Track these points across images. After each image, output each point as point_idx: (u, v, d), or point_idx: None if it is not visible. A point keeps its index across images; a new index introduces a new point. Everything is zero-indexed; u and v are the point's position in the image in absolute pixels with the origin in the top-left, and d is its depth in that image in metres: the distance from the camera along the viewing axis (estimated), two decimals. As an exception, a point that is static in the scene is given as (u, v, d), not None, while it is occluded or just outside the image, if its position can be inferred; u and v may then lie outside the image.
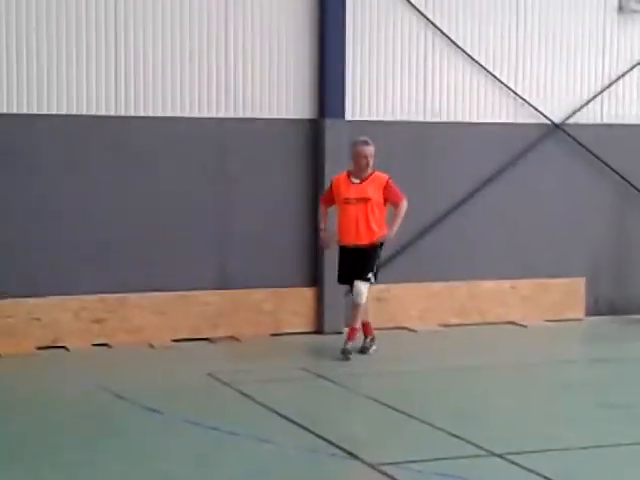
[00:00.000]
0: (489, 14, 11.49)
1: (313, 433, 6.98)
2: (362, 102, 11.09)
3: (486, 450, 6.59)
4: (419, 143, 11.34)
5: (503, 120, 11.64)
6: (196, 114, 10.39)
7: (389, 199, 9.69)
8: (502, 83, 11.57)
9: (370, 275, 9.63)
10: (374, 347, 9.83)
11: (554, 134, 11.80)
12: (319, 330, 10.83)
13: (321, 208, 9.95)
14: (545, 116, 11.74)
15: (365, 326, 9.87)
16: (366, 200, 9.56)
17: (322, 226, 9.87)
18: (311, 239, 10.90)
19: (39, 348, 9.76)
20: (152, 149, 10.24)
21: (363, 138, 9.74)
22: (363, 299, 9.63)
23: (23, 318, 9.77)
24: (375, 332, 10.03)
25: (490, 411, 7.77)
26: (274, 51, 10.70)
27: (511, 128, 11.65)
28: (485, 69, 11.50)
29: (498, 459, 6.44)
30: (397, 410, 7.63)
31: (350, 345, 9.60)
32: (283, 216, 10.84)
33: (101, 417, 7.51)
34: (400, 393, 8.26)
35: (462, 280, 11.47)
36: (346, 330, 10.03)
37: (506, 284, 11.64)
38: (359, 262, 9.60)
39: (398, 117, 11.25)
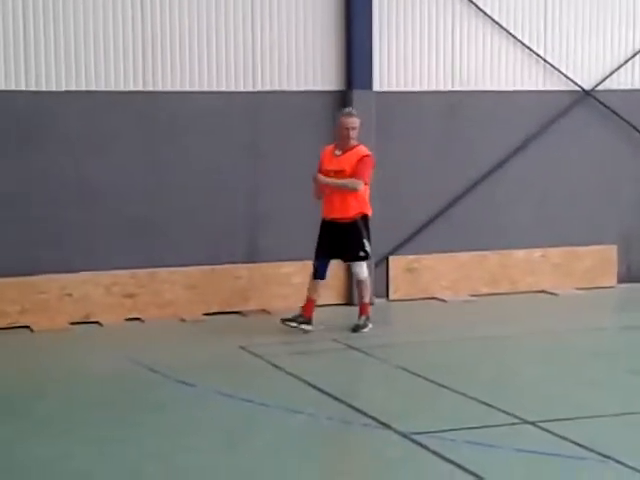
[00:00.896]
0: (517, -20, 11.38)
1: (345, 404, 7.00)
2: (390, 73, 11.03)
3: (518, 418, 6.59)
4: (448, 113, 11.27)
5: (533, 88, 11.54)
6: (224, 88, 10.39)
7: (353, 171, 9.32)
8: (531, 50, 11.46)
9: (362, 253, 9.44)
10: (370, 326, 9.53)
11: (584, 101, 11.68)
12: (349, 302, 10.83)
13: (317, 177, 9.55)
14: (575, 83, 11.62)
15: (307, 303, 9.57)
16: (343, 173, 9.33)
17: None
18: (340, 211, 10.88)
19: (72, 323, 9.85)
20: (182, 124, 10.24)
21: (348, 109, 9.57)
22: (362, 276, 9.51)
23: (56, 294, 9.86)
24: (402, 303, 9.99)
25: (521, 379, 7.76)
26: (301, 23, 10.65)
27: (541, 96, 11.55)
28: (514, 36, 11.39)
29: (530, 427, 6.45)
30: (428, 380, 7.64)
31: (363, 319, 9.51)
32: (311, 189, 10.81)
33: (134, 391, 7.57)
34: (431, 363, 8.27)
35: (492, 249, 11.43)
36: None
37: (537, 253, 11.59)
38: (344, 241, 9.40)
39: (426, 87, 11.18)
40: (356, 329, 9.50)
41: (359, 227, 9.45)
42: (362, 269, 9.54)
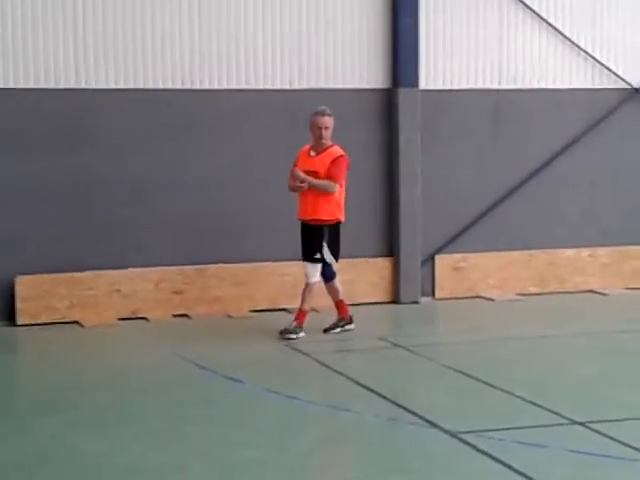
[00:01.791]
0: (565, -23, 11.29)
1: (392, 402, 7.00)
2: (436, 71, 10.99)
3: (567, 418, 6.54)
4: (495, 111, 11.21)
5: (581, 86, 11.43)
6: (270, 86, 10.42)
7: (328, 174, 9.08)
8: (580, 48, 11.35)
9: (317, 255, 9.17)
10: (301, 334, 9.13)
11: (634, 98, 11.55)
12: (395, 300, 10.82)
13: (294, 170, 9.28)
14: (624, 80, 11.49)
15: (338, 305, 9.45)
16: (316, 174, 9.11)
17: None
18: (386, 210, 10.88)
19: (120, 319, 9.95)
20: (230, 122, 10.29)
21: (321, 108, 9.18)
22: (310, 279, 9.22)
23: (104, 290, 9.96)
24: (448, 302, 9.93)
25: (570, 379, 7.70)
26: (347, 21, 10.65)
27: (589, 94, 11.44)
28: (562, 34, 11.30)
29: (579, 427, 6.40)
30: (476, 379, 7.61)
31: (293, 325, 9.14)
32: (358, 187, 10.79)
33: (182, 386, 7.63)
34: (478, 362, 8.23)
35: (540, 248, 11.35)
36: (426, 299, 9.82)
37: (585, 252, 11.48)
38: (309, 241, 9.21)
39: (473, 85, 11.12)
40: (282, 333, 9.12)
41: (322, 232, 9.18)
42: (311, 272, 9.20)
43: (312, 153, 9.25)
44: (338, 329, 9.37)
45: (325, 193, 9.12)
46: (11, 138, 9.76)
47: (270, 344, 8.99)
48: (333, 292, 9.44)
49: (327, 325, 9.40)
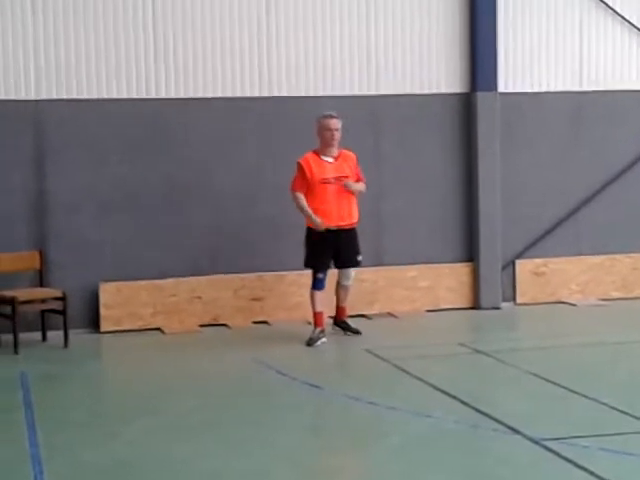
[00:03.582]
0: (647, -24, 11.08)
1: (473, 408, 6.93)
2: (515, 74, 10.89)
3: (654, 426, 6.41)
4: (575, 113, 11.06)
5: (664, 86, 11.22)
6: (347, 92, 10.43)
7: (358, 176, 9.28)
8: (662, 48, 11.15)
9: (360, 258, 9.33)
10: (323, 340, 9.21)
11: None
12: (475, 306, 10.73)
13: (299, 195, 9.11)
14: None
15: (322, 315, 9.35)
16: (345, 178, 9.09)
17: (311, 211, 9.05)
18: (466, 215, 10.80)
19: (201, 325, 10.05)
20: (304, 128, 10.29)
21: (329, 112, 9.14)
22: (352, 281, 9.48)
23: (185, 297, 10.08)
24: (529, 307, 9.80)
25: (656, 386, 7.53)
26: (425, 25, 10.62)
27: (672, 94, 11.21)
28: (644, 33, 11.11)
29: (667, 435, 6.26)
30: (559, 385, 7.49)
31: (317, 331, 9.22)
32: (437, 192, 10.78)
33: (262, 393, 7.66)
34: (561, 368, 8.11)
35: (623, 252, 11.14)
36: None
37: (670, 255, 11.25)
38: (349, 245, 9.22)
39: (553, 88, 10.99)
40: (359, 331, 9.44)
41: (357, 234, 9.31)
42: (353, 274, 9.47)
43: (327, 159, 9.14)
44: (320, 341, 9.23)
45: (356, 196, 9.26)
46: (96, 147, 9.94)
47: (349, 350, 9.00)
48: (318, 302, 9.28)
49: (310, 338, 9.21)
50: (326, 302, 9.44)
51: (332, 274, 9.48)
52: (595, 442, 6.10)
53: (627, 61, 11.18)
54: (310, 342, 9.16)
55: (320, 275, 9.25)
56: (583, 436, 6.22)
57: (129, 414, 7.08)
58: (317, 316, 9.28)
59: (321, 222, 9.07)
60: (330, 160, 9.16)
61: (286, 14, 10.28)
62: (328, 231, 9.15)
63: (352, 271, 9.45)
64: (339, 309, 9.62)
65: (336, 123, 9.15)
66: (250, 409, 7.19)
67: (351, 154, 9.33)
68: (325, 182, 9.11)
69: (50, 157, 9.86)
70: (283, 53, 10.29)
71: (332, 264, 9.41)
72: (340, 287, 9.51)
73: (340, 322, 9.61)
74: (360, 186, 9.31)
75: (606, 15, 11.04)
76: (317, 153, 9.19)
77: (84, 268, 9.89)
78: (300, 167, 9.16)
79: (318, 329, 9.25)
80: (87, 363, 8.94)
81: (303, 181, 9.14)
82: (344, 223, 9.19)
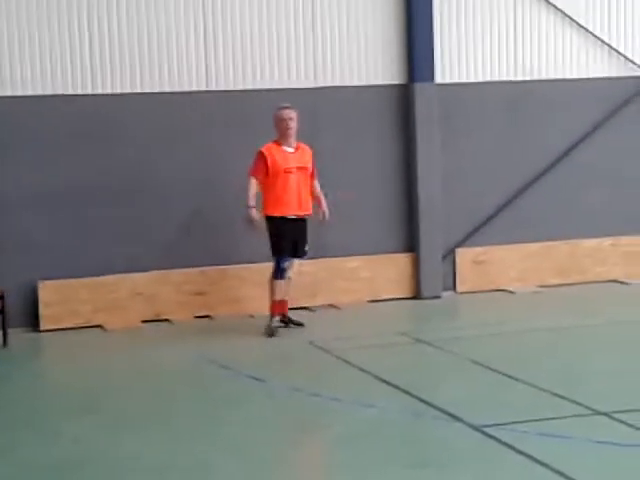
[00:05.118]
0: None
1: (416, 397, 7.01)
2: (452, 64, 10.98)
3: (591, 409, 6.53)
4: (512, 103, 11.19)
5: (598, 75, 11.38)
6: (286, 85, 10.43)
7: (313, 170, 9.46)
8: (595, 36, 11.31)
9: (307, 248, 9.49)
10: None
11: (651, 86, 11.51)
12: (417, 295, 10.82)
13: (253, 182, 9.16)
14: (641, 68, 11.45)
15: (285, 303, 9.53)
16: (305, 170, 9.31)
17: (253, 203, 9.12)
18: (406, 205, 10.88)
19: (143, 322, 10.00)
20: (249, 121, 10.27)
21: (285, 104, 9.33)
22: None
23: (126, 293, 10.02)
24: (470, 296, 9.93)
25: (593, 370, 7.68)
26: (360, 16, 10.65)
27: (607, 82, 11.39)
28: (577, 23, 11.25)
29: (604, 418, 6.38)
30: (498, 372, 7.61)
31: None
32: (377, 183, 10.84)
33: (206, 387, 7.67)
34: (501, 355, 8.23)
35: (561, 239, 11.31)
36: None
37: (607, 241, 11.44)
38: (303, 236, 9.40)
39: (489, 77, 11.10)
40: (302, 323, 9.52)
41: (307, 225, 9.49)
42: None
43: (288, 149, 9.29)
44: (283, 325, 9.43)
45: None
46: (36, 143, 9.81)
47: (292, 342, 9.02)
48: (281, 290, 9.40)
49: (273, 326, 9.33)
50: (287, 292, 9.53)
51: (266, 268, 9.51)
52: (534, 427, 6.21)
53: (561, 50, 11.32)
54: (272, 332, 9.21)
55: (285, 264, 9.34)
56: (522, 421, 6.33)
57: (72, 412, 7.04)
58: (277, 304, 9.35)
59: (254, 218, 9.14)
60: (291, 150, 9.31)
61: (226, 8, 10.23)
62: (288, 220, 9.25)
63: (296, 263, 9.49)
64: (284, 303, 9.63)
65: (289, 113, 9.29)
66: (194, 403, 7.19)
67: (308, 147, 9.48)
68: (289, 172, 9.23)
69: (-10, 154, 9.74)
70: (222, 47, 10.25)
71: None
72: (287, 280, 9.52)
73: (285, 316, 9.63)
74: (324, 203, 9.57)
75: (540, 5, 11.18)
76: (278, 143, 9.31)
77: (23, 266, 9.77)
78: (261, 155, 9.23)
79: (277, 317, 9.32)
80: (27, 362, 8.87)
81: (261, 168, 9.21)
82: (303, 213, 9.34)
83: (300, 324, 9.54)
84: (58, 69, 9.81)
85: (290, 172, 9.24)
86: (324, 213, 9.54)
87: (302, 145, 9.45)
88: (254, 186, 9.21)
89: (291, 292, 9.60)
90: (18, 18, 9.69)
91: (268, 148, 9.28)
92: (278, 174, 9.21)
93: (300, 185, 9.29)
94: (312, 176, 9.50)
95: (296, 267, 9.53)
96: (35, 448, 6.25)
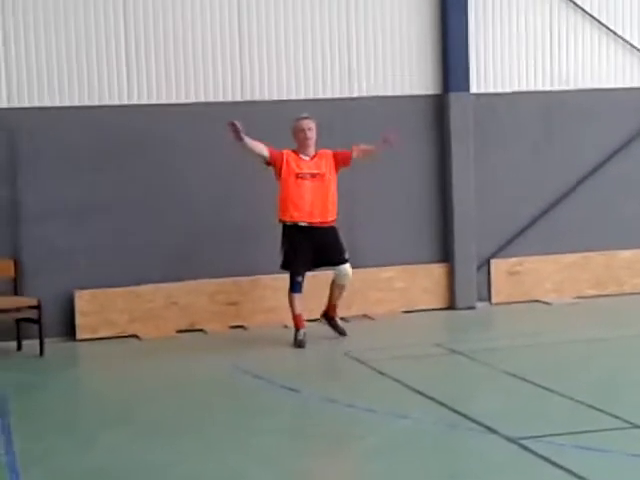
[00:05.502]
0: (615, -24, 11.19)
1: (451, 408, 6.96)
2: (487, 74, 10.94)
3: (628, 422, 6.45)
4: (547, 113, 11.13)
5: (635, 84, 11.30)
6: (321, 95, 10.44)
7: (340, 157, 9.27)
8: (632, 46, 11.22)
9: (347, 255, 9.37)
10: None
11: (689, 96, 11.39)
12: (451, 306, 10.77)
13: (261, 145, 9.20)
14: (679, 78, 11.35)
15: (300, 317, 9.37)
16: (321, 176, 9.20)
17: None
18: (440, 215, 10.85)
19: (178, 331, 10.04)
20: (280, 131, 10.29)
21: (304, 114, 9.30)
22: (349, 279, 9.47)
23: (162, 303, 10.06)
24: (504, 307, 9.87)
25: (631, 383, 7.58)
26: (395, 27, 10.65)
27: (643, 92, 11.31)
28: (614, 32, 11.18)
29: (641, 431, 6.31)
30: (535, 384, 7.54)
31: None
32: (411, 193, 10.81)
33: (240, 397, 7.67)
34: (537, 366, 8.16)
35: (597, 250, 11.21)
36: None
37: (643, 253, 11.33)
38: (329, 245, 9.27)
39: (524, 87, 11.05)
40: (345, 332, 9.49)
41: (336, 232, 9.39)
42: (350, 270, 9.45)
43: (304, 157, 9.28)
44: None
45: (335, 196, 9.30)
46: (70, 154, 9.90)
47: (327, 353, 9.01)
48: (298, 304, 9.35)
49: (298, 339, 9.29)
50: (313, 303, 9.53)
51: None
52: (571, 440, 6.14)
53: (597, 60, 11.25)
54: (300, 344, 9.20)
55: (298, 278, 9.28)
56: (559, 434, 6.27)
57: (106, 421, 7.06)
58: (297, 318, 9.32)
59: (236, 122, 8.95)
60: (306, 158, 9.28)
61: (261, 19, 10.27)
62: (301, 227, 9.19)
63: (347, 268, 9.39)
64: (330, 305, 9.58)
65: (308, 123, 9.27)
66: (228, 413, 7.19)
67: (327, 151, 9.40)
68: (300, 177, 9.20)
69: (23, 165, 9.81)
70: (257, 58, 10.28)
71: (311, 266, 9.38)
72: (335, 286, 9.51)
73: (329, 318, 9.58)
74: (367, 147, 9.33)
75: (576, 14, 11.12)
76: (296, 152, 9.32)
77: (59, 276, 9.84)
78: (281, 153, 9.24)
79: (302, 330, 9.28)
80: (63, 371, 8.92)
81: (277, 157, 9.20)
82: (316, 221, 9.23)
83: (343, 333, 9.47)
84: (79, 80, 9.84)
85: (302, 178, 9.20)
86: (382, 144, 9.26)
87: (321, 152, 9.35)
88: (260, 145, 9.14)
89: (340, 300, 9.55)
90: (45, 30, 9.76)
91: (288, 152, 9.31)
92: (289, 177, 9.20)
93: (315, 193, 9.20)
94: (345, 160, 9.32)
95: (349, 271, 9.39)
96: (70, 456, 6.28)
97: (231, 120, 9.00)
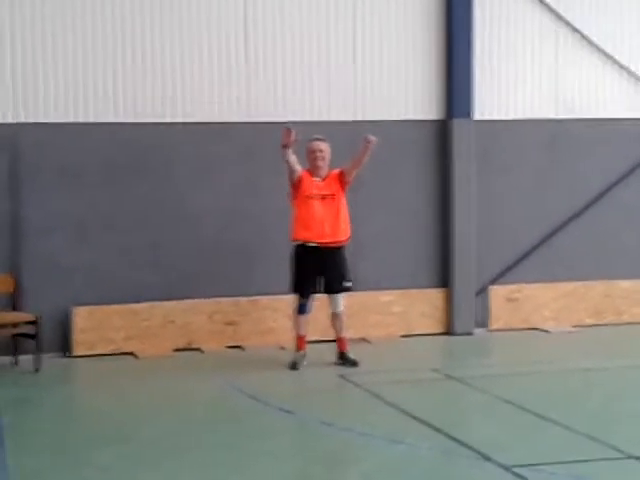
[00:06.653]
0: (622, 6, 11.21)
1: (446, 434, 6.94)
2: (491, 101, 10.97)
3: (623, 452, 6.43)
4: (551, 141, 11.15)
5: (638, 115, 11.32)
6: (325, 118, 10.47)
7: (344, 170, 9.20)
8: (637, 77, 11.25)
9: (349, 284, 9.30)
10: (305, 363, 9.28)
11: (692, 127, 11.42)
12: (449, 331, 10.75)
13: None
14: (682, 109, 11.37)
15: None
16: (332, 197, 9.20)
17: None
18: (440, 240, 10.85)
19: (175, 350, 10.02)
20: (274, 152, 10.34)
21: (316, 135, 9.31)
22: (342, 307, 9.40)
23: (159, 321, 10.05)
24: (502, 333, 9.82)
25: (626, 413, 7.55)
26: (401, 52, 10.70)
27: (646, 123, 11.34)
28: (619, 63, 11.21)
29: (636, 462, 6.28)
30: (530, 412, 7.52)
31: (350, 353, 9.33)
32: (411, 218, 10.82)
33: (237, 418, 7.64)
34: (533, 395, 8.13)
35: (596, 279, 11.20)
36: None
37: (643, 283, 11.32)
38: (335, 269, 9.22)
39: (528, 115, 11.08)
40: (355, 363, 9.25)
41: (344, 255, 9.32)
42: (342, 301, 9.38)
43: (316, 179, 9.29)
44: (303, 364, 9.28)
45: (347, 217, 9.24)
46: (71, 170, 9.91)
47: (323, 376, 8.98)
48: (302, 326, 9.34)
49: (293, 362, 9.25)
50: (310, 325, 9.46)
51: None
52: (565, 469, 6.13)
53: (602, 90, 11.29)
54: (294, 366, 9.18)
55: (304, 300, 9.29)
56: (553, 463, 6.25)
57: (101, 440, 7.03)
58: (299, 339, 9.31)
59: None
60: (318, 180, 9.30)
61: (267, 42, 10.32)
62: (310, 248, 9.19)
63: (340, 297, 9.36)
64: (337, 340, 9.47)
65: (319, 145, 9.30)
66: (223, 434, 7.16)
67: (335, 171, 9.37)
68: (310, 197, 9.21)
69: (25, 181, 9.83)
70: (263, 79, 10.33)
71: (318, 288, 9.31)
72: (332, 316, 9.44)
73: (340, 354, 9.43)
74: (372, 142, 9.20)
75: (582, 44, 11.16)
76: (309, 173, 9.33)
77: (58, 292, 9.84)
78: (300, 174, 9.23)
79: (300, 352, 9.27)
80: (59, 388, 8.90)
81: (302, 175, 9.21)
82: (325, 241, 9.22)
83: (354, 364, 9.27)
84: (84, 97, 9.87)
85: (312, 198, 9.21)
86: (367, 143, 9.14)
87: (332, 173, 9.36)
88: (296, 161, 9.16)
89: (344, 329, 9.42)
90: (48, 47, 9.80)
91: (304, 172, 9.30)
92: (301, 198, 9.23)
93: (326, 213, 9.20)
94: (341, 176, 9.25)
95: (341, 301, 9.37)
96: (63, 474, 6.26)
97: (288, 126, 9.05)
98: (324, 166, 9.30)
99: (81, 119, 9.90)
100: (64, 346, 9.86)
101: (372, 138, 9.13)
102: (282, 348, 10.06)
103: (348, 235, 9.36)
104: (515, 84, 11.03)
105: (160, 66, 10.07)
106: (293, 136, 9.02)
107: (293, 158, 9.16)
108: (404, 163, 10.77)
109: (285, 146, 9.08)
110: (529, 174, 11.11)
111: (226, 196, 10.28)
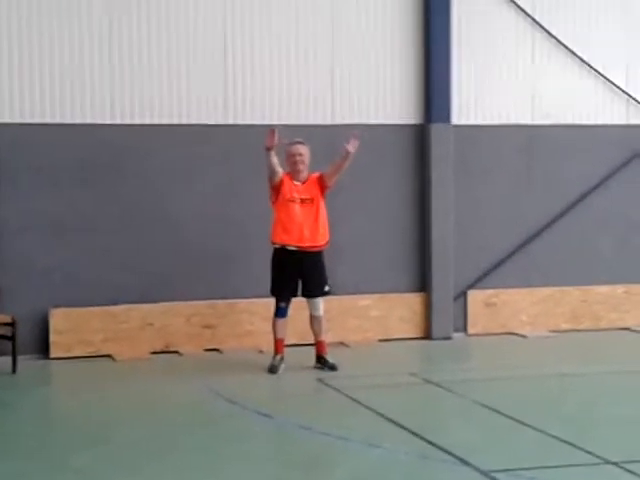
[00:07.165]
0: (598, 13, 11.30)
1: (423, 439, 6.95)
2: (469, 106, 11.02)
3: (600, 458, 6.46)
4: (527, 147, 11.21)
5: (615, 121, 11.42)
6: (303, 121, 10.48)
7: (324, 175, 9.19)
8: (612, 83, 11.35)
9: (327, 289, 9.32)
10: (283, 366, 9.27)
11: (669, 134, 11.51)
12: (427, 336, 10.78)
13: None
14: (659, 116, 11.47)
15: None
16: (311, 201, 9.19)
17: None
18: (419, 245, 10.88)
19: (152, 353, 9.98)
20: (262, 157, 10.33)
21: (296, 139, 9.28)
22: (322, 311, 9.39)
23: (137, 323, 10.02)
24: (480, 338, 9.88)
25: (603, 418, 7.59)
26: (379, 56, 10.73)
27: (622, 130, 11.42)
28: (595, 70, 11.30)
29: (613, 467, 6.31)
30: (508, 416, 7.54)
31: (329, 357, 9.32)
32: (390, 222, 10.85)
33: (214, 422, 7.61)
34: (510, 399, 8.16)
35: (574, 285, 11.27)
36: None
37: (620, 289, 11.40)
38: (314, 273, 9.23)
39: (505, 121, 11.13)
40: (334, 367, 9.24)
41: (323, 259, 9.32)
42: (322, 305, 9.38)
43: (296, 182, 9.27)
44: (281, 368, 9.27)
45: (326, 222, 9.24)
46: (49, 171, 9.88)
47: (301, 379, 8.98)
48: (281, 330, 9.34)
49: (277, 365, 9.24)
50: (289, 329, 9.44)
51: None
52: (542, 474, 6.15)
53: (579, 96, 11.36)
54: (273, 369, 9.17)
55: (282, 303, 9.28)
56: (531, 467, 6.26)
57: (78, 443, 7.00)
58: (277, 343, 9.30)
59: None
60: (298, 184, 9.27)
61: (245, 44, 10.33)
62: (288, 252, 9.17)
63: (319, 301, 9.37)
64: (316, 344, 9.45)
65: (299, 148, 9.26)
66: (200, 437, 7.13)
67: (314, 175, 9.35)
68: (290, 200, 9.19)
69: (2, 181, 9.78)
70: (242, 83, 10.32)
71: (296, 292, 9.32)
72: (311, 318, 9.42)
73: (319, 357, 9.43)
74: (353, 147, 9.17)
75: (558, 50, 11.23)
76: (289, 176, 9.29)
77: (35, 293, 9.80)
78: (282, 177, 9.21)
79: (278, 356, 9.26)
80: (35, 390, 8.84)
81: (283, 178, 9.18)
82: (305, 245, 9.20)
83: (333, 368, 9.26)
84: (61, 98, 9.86)
85: (292, 201, 9.19)
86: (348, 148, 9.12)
87: (311, 177, 9.34)
88: (278, 164, 9.12)
89: (324, 332, 9.40)
90: (28, 48, 9.77)
91: (285, 175, 9.27)
92: (282, 201, 9.21)
93: (305, 217, 9.18)
94: (320, 180, 9.24)
95: (320, 305, 9.36)
96: (39, 479, 6.21)
97: (275, 127, 9.03)
98: (304, 170, 9.29)
99: (58, 120, 9.86)
100: (41, 348, 9.80)
101: (352, 149, 9.09)
102: (260, 351, 10.05)
103: (327, 240, 9.35)
104: (492, 89, 11.08)
105: (139, 67, 10.04)
106: (277, 138, 9.01)
107: (275, 160, 9.15)
108: (383, 167, 10.80)
109: (268, 148, 9.07)
110: (507, 179, 11.17)
111: (205, 199, 10.28)
